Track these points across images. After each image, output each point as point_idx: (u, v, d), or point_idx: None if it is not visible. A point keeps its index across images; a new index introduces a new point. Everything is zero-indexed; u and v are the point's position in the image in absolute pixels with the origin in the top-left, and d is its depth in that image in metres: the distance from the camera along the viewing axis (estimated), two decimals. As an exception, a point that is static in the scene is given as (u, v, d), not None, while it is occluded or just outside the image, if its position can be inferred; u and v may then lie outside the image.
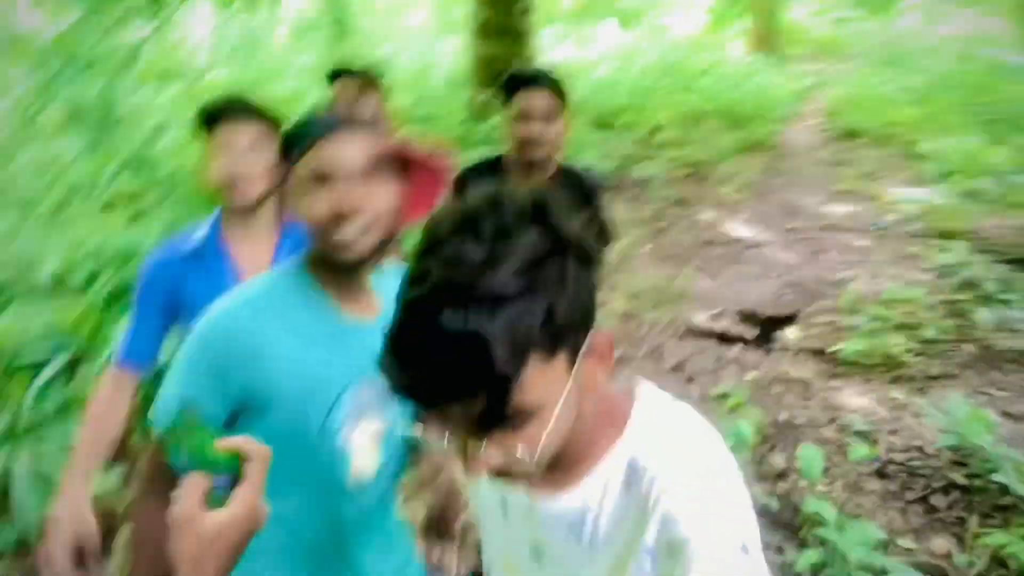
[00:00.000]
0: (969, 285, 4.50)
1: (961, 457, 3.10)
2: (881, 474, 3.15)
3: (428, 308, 0.67)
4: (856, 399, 3.68)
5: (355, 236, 1.16)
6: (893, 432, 3.41)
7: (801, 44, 17.21)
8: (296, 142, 1.21)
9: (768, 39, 15.62)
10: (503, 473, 0.77)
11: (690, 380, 3.93)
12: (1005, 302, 4.31)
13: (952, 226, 5.52)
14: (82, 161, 4.62)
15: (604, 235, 2.30)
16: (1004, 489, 2.83)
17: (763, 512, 2.88)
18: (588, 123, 8.87)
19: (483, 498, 0.99)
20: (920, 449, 3.25)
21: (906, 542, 2.76)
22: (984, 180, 6.16)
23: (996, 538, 2.54)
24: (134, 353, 1.72)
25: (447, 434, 0.76)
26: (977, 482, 2.96)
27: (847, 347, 4.03)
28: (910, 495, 3.02)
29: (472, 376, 0.67)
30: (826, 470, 3.12)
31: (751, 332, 4.28)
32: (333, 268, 1.23)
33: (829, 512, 2.75)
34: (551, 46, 10.92)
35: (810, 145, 8.99)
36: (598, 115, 9.00)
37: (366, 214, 1.16)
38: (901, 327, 4.17)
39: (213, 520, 0.76)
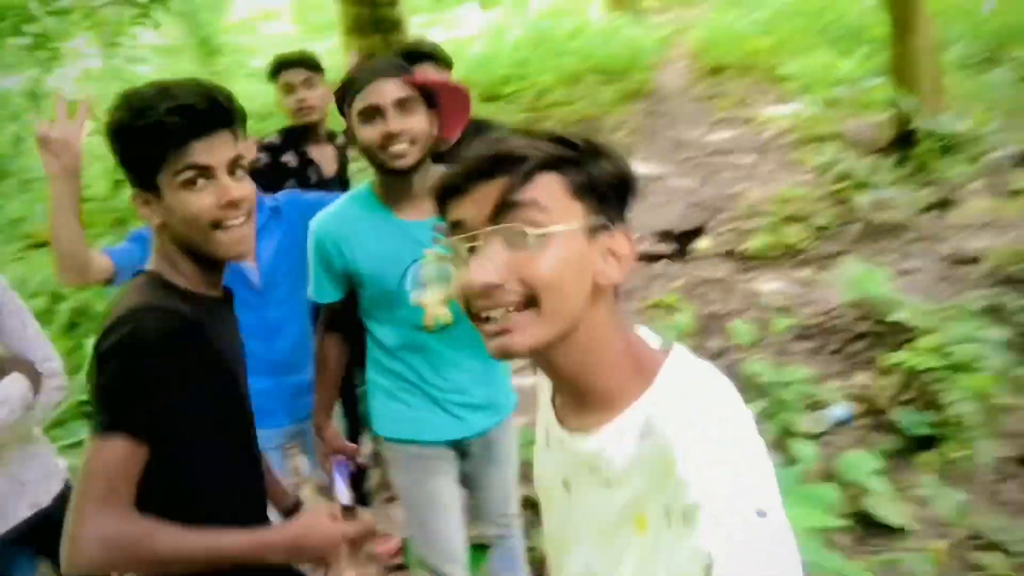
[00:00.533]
0: (845, 176, 5.11)
1: (863, 312, 3.64)
2: (803, 337, 3.67)
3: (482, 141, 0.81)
4: (769, 284, 4.20)
5: (402, 152, 1.58)
6: (805, 304, 3.94)
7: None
8: (348, 90, 1.63)
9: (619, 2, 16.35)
10: (489, 293, 0.77)
11: (627, 297, 4.36)
12: (875, 185, 4.94)
13: (821, 131, 6.17)
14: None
15: None
16: (901, 325, 3.38)
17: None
18: (476, 98, 9.21)
19: (537, 432, 1.02)
20: (829, 312, 3.78)
21: (833, 383, 3.26)
22: (839, 88, 6.86)
23: (900, 358, 3.06)
24: None
25: (463, 234, 0.80)
26: (879, 327, 3.50)
27: (752, 244, 4.56)
28: (830, 348, 3.54)
29: (497, 158, 0.78)
30: (755, 343, 3.61)
31: (670, 248, 4.76)
32: (389, 183, 1.67)
33: (765, 368, 3.23)
34: (421, 34, 11.15)
35: (683, 85, 9.61)
36: (483, 89, 9.35)
37: (406, 134, 1.58)
38: (795, 219, 4.73)
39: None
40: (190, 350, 1.13)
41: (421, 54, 2.30)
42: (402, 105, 1.58)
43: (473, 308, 0.80)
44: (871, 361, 3.35)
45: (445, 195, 0.82)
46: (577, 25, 12.77)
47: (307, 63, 2.60)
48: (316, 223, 1.73)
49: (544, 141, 0.80)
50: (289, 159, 2.58)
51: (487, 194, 0.78)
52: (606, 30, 12.11)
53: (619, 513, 0.82)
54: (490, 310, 0.78)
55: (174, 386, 1.10)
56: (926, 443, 2.77)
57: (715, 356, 3.58)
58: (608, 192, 0.81)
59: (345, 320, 1.84)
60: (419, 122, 1.60)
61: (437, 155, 1.72)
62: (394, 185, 1.66)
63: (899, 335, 3.35)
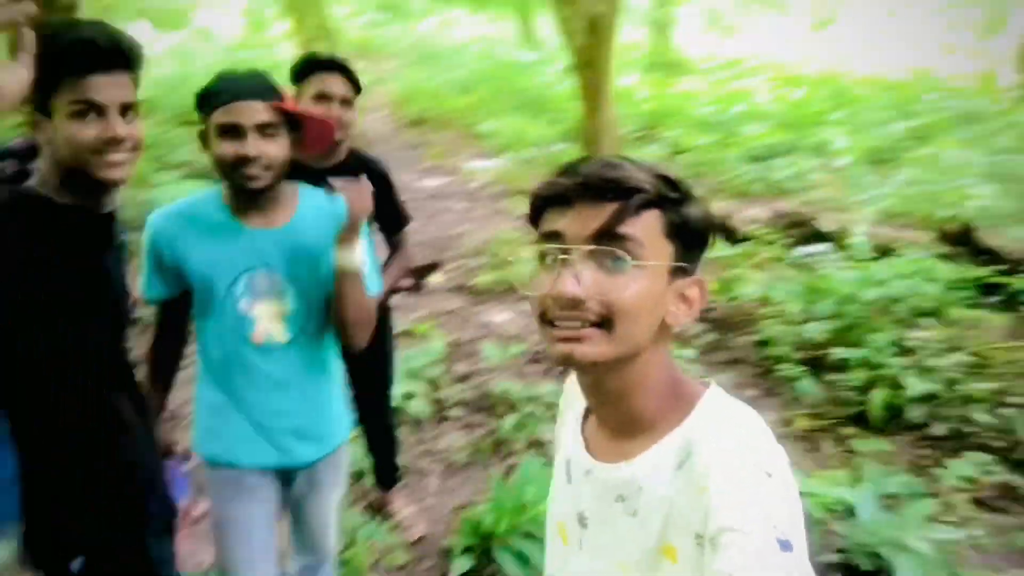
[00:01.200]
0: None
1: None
2: (534, 360, 4.16)
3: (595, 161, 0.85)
4: (500, 315, 4.68)
5: (255, 175, 1.56)
6: (533, 331, 4.47)
7: (342, 45, 18.43)
8: (212, 99, 1.57)
9: (314, 41, 16.47)
10: (571, 306, 0.81)
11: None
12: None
13: (521, 185, 6.97)
14: None
15: (402, 217, 2.57)
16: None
17: (461, 403, 3.65)
18: (169, 121, 8.64)
19: (556, 467, 1.02)
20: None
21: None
22: (532, 149, 7.80)
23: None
24: None
25: (561, 245, 0.82)
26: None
27: (480, 280, 5.03)
28: (558, 369, 4.08)
29: (613, 183, 0.81)
30: (497, 366, 4.01)
31: (407, 282, 5.02)
32: (238, 195, 1.64)
33: (513, 386, 3.65)
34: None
35: (388, 132, 10.06)
36: (174, 113, 8.81)
37: (263, 160, 1.56)
38: (512, 261, 5.32)
39: None
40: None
41: (333, 64, 2.22)
42: (263, 129, 1.54)
43: (548, 314, 0.83)
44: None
45: (548, 203, 0.85)
46: (270, 63, 12.64)
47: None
48: (153, 217, 1.68)
49: (654, 176, 0.83)
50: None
51: (594, 215, 0.81)
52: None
53: (647, 543, 0.83)
54: (565, 320, 0.82)
55: None
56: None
57: (464, 378, 3.91)
58: (694, 238, 0.86)
59: (177, 321, 1.78)
60: (278, 149, 1.57)
61: (296, 170, 1.70)
62: (243, 197, 1.64)
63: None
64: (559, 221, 0.84)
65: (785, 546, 0.71)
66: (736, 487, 0.76)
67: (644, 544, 0.84)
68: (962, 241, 4.98)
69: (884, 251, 4.88)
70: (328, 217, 1.68)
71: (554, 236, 0.84)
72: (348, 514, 2.67)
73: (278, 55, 14.20)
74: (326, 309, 1.72)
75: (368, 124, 10.71)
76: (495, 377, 3.87)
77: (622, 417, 0.89)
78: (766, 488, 0.76)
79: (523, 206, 5.78)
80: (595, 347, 0.82)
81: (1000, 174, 6.55)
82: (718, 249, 5.12)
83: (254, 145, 1.53)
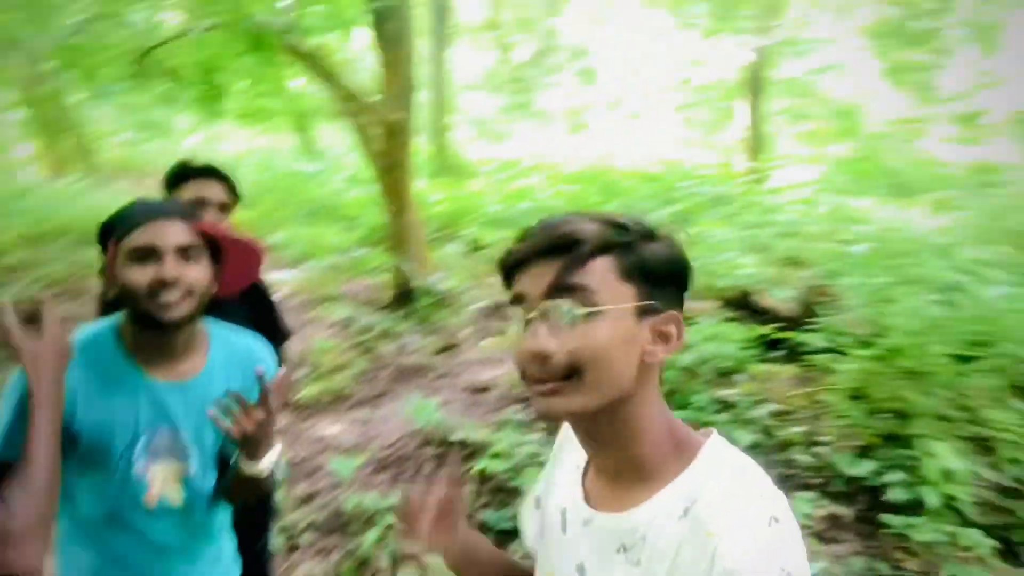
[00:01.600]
0: (367, 329, 5.76)
1: (425, 438, 4.17)
2: (379, 470, 3.99)
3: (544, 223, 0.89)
4: (331, 428, 4.45)
5: (174, 301, 1.38)
6: (371, 440, 4.30)
7: (100, 165, 17.23)
8: (123, 222, 1.41)
9: (67, 162, 15.27)
10: (539, 361, 0.84)
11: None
12: (395, 335, 5.70)
13: (327, 292, 6.81)
14: None
15: (282, 332, 2.44)
16: (463, 443, 3.99)
17: (312, 527, 3.40)
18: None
19: (548, 513, 1.02)
20: (395, 444, 4.21)
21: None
22: (333, 255, 7.69)
23: (475, 467, 3.63)
24: None
25: (521, 309, 0.87)
26: (443, 448, 4.06)
27: (305, 393, 4.78)
28: (407, 474, 3.94)
29: (559, 239, 0.85)
30: (342, 482, 3.80)
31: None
32: (145, 336, 1.44)
33: (367, 498, 3.47)
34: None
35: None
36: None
37: (183, 284, 1.39)
38: (337, 369, 5.13)
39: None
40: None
41: (210, 170, 2.08)
42: (184, 252, 1.40)
43: (527, 373, 0.87)
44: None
45: (511, 268, 0.90)
46: (14, 190, 11.49)
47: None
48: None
49: (602, 224, 0.87)
50: None
51: (545, 272, 0.85)
52: (64, 192, 11.19)
53: None
54: (538, 376, 0.85)
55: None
56: (514, 536, 3.32)
57: (309, 499, 3.64)
58: (659, 276, 0.87)
59: None
60: (199, 273, 1.42)
61: (213, 305, 1.51)
62: (151, 339, 1.44)
63: (463, 451, 3.95)
64: (521, 283, 0.88)
65: None
66: (742, 531, 0.77)
67: None
68: (742, 305, 5.60)
69: (682, 321, 5.36)
70: (242, 365, 1.52)
71: (519, 299, 0.88)
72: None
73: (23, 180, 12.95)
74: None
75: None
76: (343, 493, 3.66)
77: (621, 464, 0.89)
78: (772, 532, 0.78)
79: (334, 312, 5.72)
80: (571, 399, 0.84)
81: (754, 246, 7.53)
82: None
83: (174, 267, 1.37)
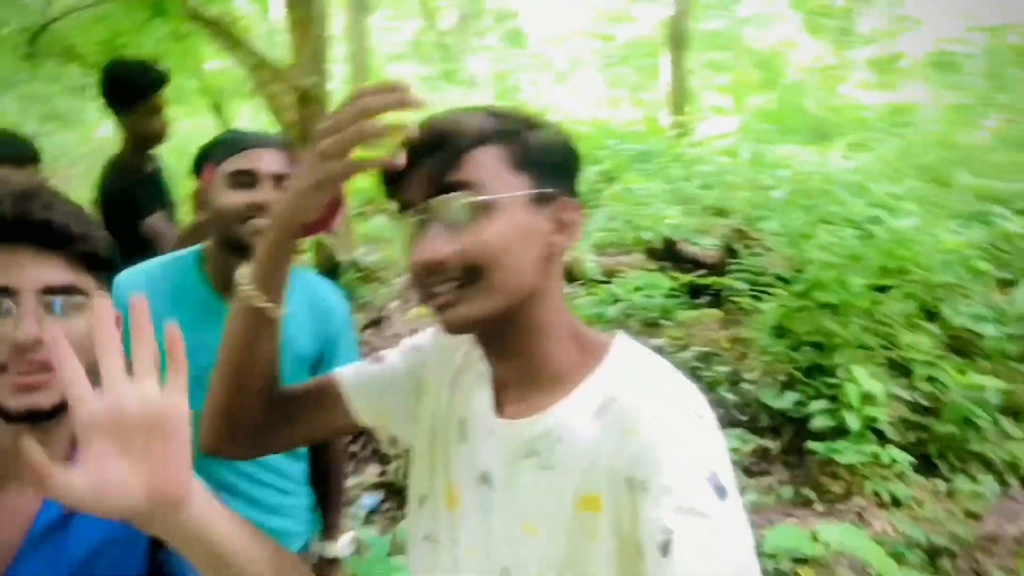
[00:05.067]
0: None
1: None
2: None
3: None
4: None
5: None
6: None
7: None
8: (223, 147, 1.48)
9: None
10: (432, 270, 0.77)
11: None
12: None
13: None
14: None
15: None
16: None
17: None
18: None
19: (440, 420, 0.93)
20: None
21: (353, 480, 3.57)
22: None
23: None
24: None
25: (404, 216, 0.80)
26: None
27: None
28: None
29: (435, 138, 0.78)
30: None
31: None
32: (228, 262, 1.40)
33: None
34: None
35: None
36: None
37: None
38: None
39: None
40: None
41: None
42: (279, 180, 1.43)
43: (423, 286, 0.79)
44: (375, 455, 3.79)
45: (394, 178, 0.81)
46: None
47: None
48: (121, 280, 1.39)
49: (482, 116, 0.80)
50: None
51: (426, 174, 0.78)
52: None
53: (564, 496, 0.78)
54: (435, 286, 0.78)
55: None
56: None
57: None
58: (549, 164, 0.81)
59: None
60: None
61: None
62: (235, 265, 1.34)
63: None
64: (405, 191, 0.81)
65: (721, 493, 0.69)
66: (668, 429, 0.73)
67: (560, 497, 0.78)
68: (667, 255, 5.63)
69: (610, 274, 5.37)
70: (319, 309, 1.51)
71: (406, 207, 0.81)
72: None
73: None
74: None
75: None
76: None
77: (527, 369, 0.84)
78: (699, 432, 0.74)
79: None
80: (472, 305, 0.77)
81: (679, 198, 7.59)
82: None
83: (269, 193, 1.41)
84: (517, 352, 0.83)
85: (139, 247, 2.10)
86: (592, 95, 14.39)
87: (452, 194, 0.76)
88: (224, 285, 1.45)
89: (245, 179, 1.43)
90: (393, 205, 0.83)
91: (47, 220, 0.87)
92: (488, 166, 0.78)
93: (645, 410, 0.75)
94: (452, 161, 0.77)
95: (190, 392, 1.36)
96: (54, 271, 0.87)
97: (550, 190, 0.81)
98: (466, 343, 0.94)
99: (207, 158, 1.51)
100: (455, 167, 0.77)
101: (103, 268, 0.95)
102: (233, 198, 1.43)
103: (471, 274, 0.77)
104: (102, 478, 0.59)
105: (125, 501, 0.60)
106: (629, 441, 0.73)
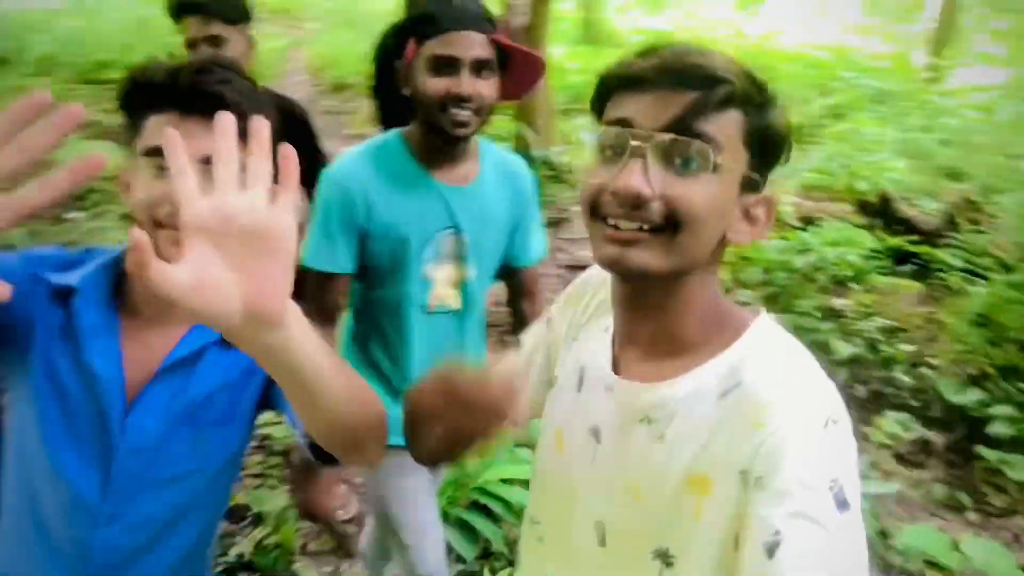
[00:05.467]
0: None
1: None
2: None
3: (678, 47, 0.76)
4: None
5: (466, 118, 1.41)
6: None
7: (258, 7, 17.73)
8: (427, 24, 1.41)
9: None
10: (635, 204, 0.73)
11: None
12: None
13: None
14: None
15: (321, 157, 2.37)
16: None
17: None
18: (71, 79, 8.13)
19: (565, 365, 0.93)
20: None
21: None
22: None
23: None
24: None
25: (639, 129, 0.74)
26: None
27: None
28: (494, 337, 4.03)
29: (697, 69, 0.73)
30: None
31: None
32: (432, 142, 1.46)
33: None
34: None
35: (309, 98, 9.72)
36: (76, 72, 8.28)
37: (475, 101, 1.40)
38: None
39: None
40: None
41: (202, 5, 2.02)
42: (480, 67, 1.40)
43: (602, 209, 0.75)
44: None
45: (619, 85, 0.77)
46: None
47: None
48: (336, 170, 1.47)
49: (742, 71, 0.75)
50: None
51: (672, 103, 0.73)
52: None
53: (672, 471, 0.76)
54: (622, 219, 0.74)
55: None
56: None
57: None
58: (771, 148, 0.77)
59: (336, 305, 1.55)
60: (491, 89, 1.43)
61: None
62: (438, 145, 1.47)
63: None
64: (630, 107, 0.75)
65: (842, 505, 0.65)
66: (798, 432, 0.69)
67: (668, 471, 0.76)
68: (879, 212, 5.16)
69: (808, 221, 5.03)
70: (508, 175, 1.57)
71: (623, 123, 0.75)
72: (273, 495, 2.56)
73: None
74: (490, 282, 1.62)
75: (286, 89, 10.36)
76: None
77: (659, 336, 0.80)
78: (830, 438, 0.69)
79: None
80: (650, 254, 0.74)
81: (911, 150, 6.84)
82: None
83: (469, 83, 1.38)
84: (655, 317, 0.80)
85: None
86: (843, 20, 13.04)
87: (696, 141, 0.72)
88: (430, 162, 1.49)
89: (446, 65, 1.39)
90: (607, 115, 0.78)
91: (218, 93, 0.93)
92: (730, 130, 0.74)
93: (775, 404, 0.71)
94: (707, 109, 0.73)
95: (417, 252, 1.48)
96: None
97: (758, 178, 0.78)
98: (603, 291, 0.92)
99: (409, 31, 1.44)
100: (706, 117, 0.73)
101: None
102: (435, 86, 1.39)
103: (669, 224, 0.73)
104: (201, 278, 0.58)
105: (221, 306, 0.60)
106: (754, 433, 0.70)
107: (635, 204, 0.73)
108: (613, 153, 0.75)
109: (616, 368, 0.85)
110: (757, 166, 0.77)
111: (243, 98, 0.94)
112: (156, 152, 0.94)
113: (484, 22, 1.42)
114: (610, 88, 0.78)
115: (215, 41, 2.05)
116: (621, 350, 0.86)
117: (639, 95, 0.75)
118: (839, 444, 0.70)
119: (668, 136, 0.72)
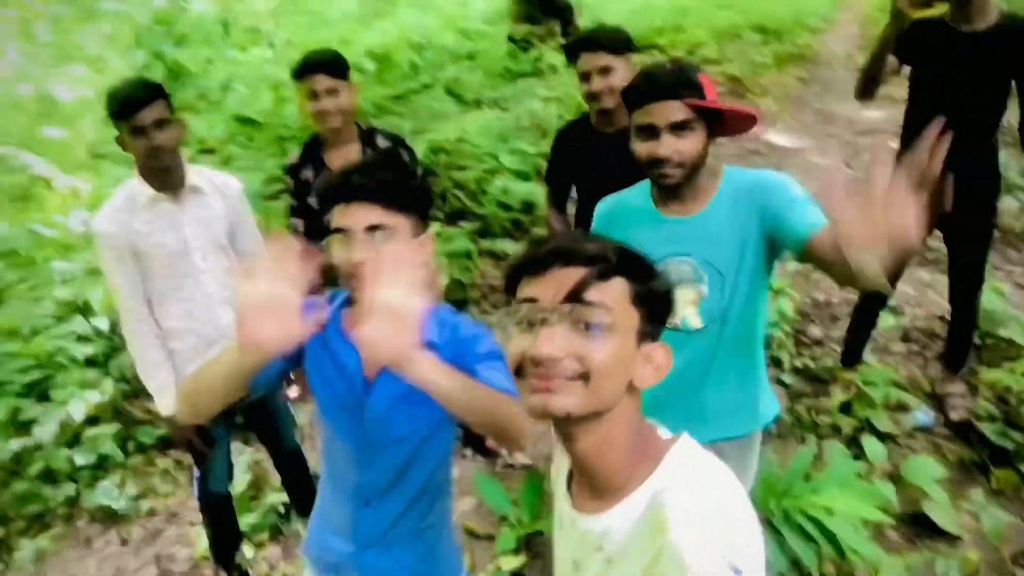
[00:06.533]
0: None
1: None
2: (905, 339, 3.69)
3: None
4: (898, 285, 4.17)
5: (668, 174, 1.62)
6: (917, 305, 3.94)
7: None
8: (630, 98, 1.65)
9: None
10: (549, 364, 0.87)
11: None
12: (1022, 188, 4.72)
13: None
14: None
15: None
16: (1010, 342, 3.36)
17: (801, 371, 3.47)
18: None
19: (554, 514, 1.11)
20: (941, 318, 3.75)
21: (925, 387, 3.31)
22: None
23: (996, 375, 3.08)
24: None
25: (543, 304, 0.90)
26: (988, 340, 3.48)
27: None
28: (929, 354, 3.56)
29: (582, 251, 0.91)
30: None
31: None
32: (654, 188, 1.74)
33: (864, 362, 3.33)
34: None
35: (846, 54, 9.18)
36: (638, 38, 9.21)
37: (675, 158, 1.59)
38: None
39: None
40: None
41: (590, 41, 2.32)
42: (678, 128, 1.56)
43: (524, 370, 0.90)
44: (971, 373, 3.34)
45: (523, 271, 0.94)
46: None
47: (332, 68, 2.46)
48: (602, 203, 1.84)
49: (618, 247, 0.93)
50: (308, 174, 2.55)
51: (564, 280, 0.90)
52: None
53: None
54: (542, 376, 0.88)
55: None
56: (1001, 460, 2.82)
57: (813, 344, 3.69)
58: (657, 307, 0.94)
59: None
60: (692, 145, 1.58)
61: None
62: (662, 189, 1.71)
63: (1003, 351, 3.34)
64: (535, 287, 0.92)
65: (736, 572, 0.76)
66: (696, 524, 0.80)
67: None
68: None
69: None
70: (748, 192, 1.65)
71: (531, 301, 0.92)
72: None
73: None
74: (751, 294, 1.70)
75: (828, 43, 9.88)
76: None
77: (594, 474, 0.95)
78: (724, 524, 0.80)
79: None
80: (570, 398, 0.88)
81: None
82: None
83: (667, 145, 1.57)
84: (585, 455, 0.94)
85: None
86: None
87: (591, 309, 0.88)
88: (658, 200, 1.73)
89: (647, 131, 1.60)
90: (518, 295, 0.95)
91: (383, 184, 1.31)
92: (618, 295, 0.91)
93: (675, 505, 0.83)
94: (596, 280, 0.90)
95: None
96: (374, 214, 1.29)
97: (652, 330, 0.94)
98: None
99: (625, 104, 1.67)
100: (595, 287, 0.89)
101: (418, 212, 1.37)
102: (640, 149, 1.63)
103: (581, 376, 0.88)
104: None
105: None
106: (657, 534, 0.82)
107: (548, 364, 0.88)
108: (528, 325, 0.91)
109: (573, 502, 1.01)
110: (648, 319, 0.93)
111: (402, 188, 1.35)
112: (339, 230, 1.34)
113: (680, 89, 1.57)
114: (517, 274, 0.96)
115: (605, 72, 2.32)
116: (575, 486, 1.02)
117: (539, 277, 0.92)
118: (734, 528, 0.81)
119: (567, 306, 0.89)
